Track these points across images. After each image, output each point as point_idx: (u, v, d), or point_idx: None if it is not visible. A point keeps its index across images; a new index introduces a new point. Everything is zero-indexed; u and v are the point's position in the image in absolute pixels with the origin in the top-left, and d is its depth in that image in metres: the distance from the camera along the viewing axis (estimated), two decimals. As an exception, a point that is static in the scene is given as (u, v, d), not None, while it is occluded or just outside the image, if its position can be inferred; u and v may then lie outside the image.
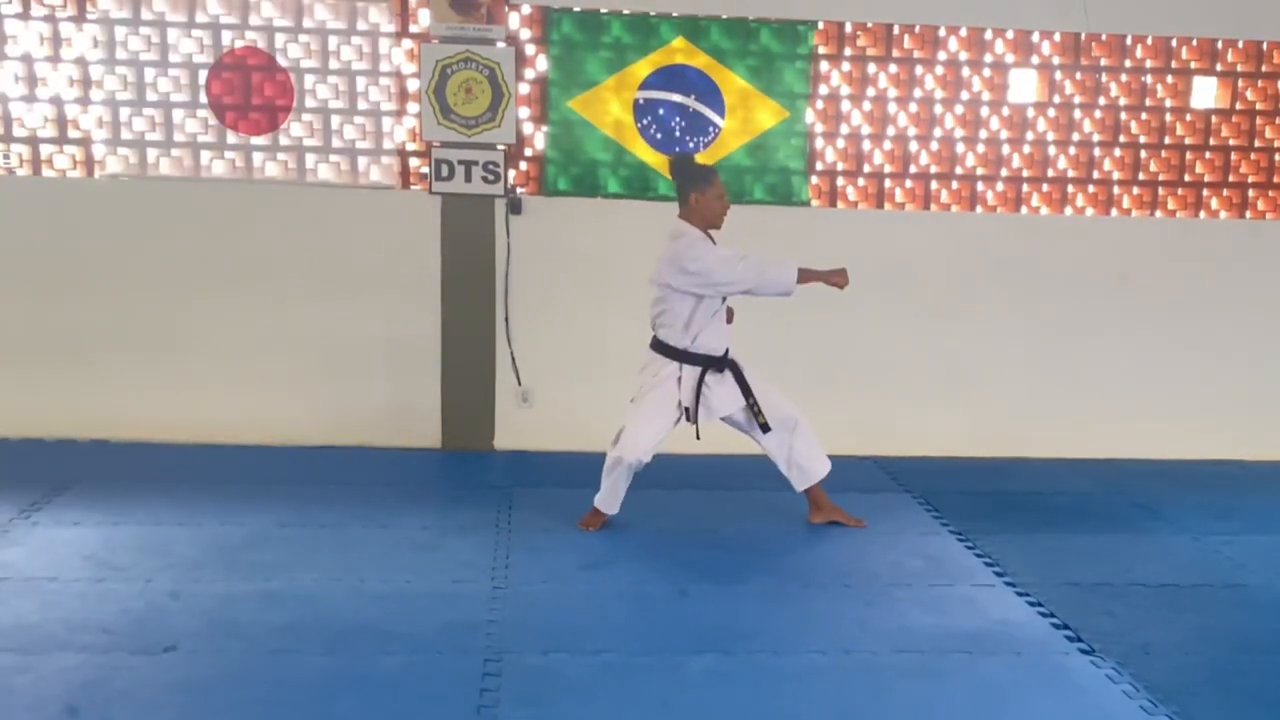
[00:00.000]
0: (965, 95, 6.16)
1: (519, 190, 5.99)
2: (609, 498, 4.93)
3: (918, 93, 6.13)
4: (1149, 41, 6.21)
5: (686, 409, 4.84)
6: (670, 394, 4.84)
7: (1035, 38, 6.14)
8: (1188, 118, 6.30)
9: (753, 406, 4.86)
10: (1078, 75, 6.20)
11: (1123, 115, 6.26)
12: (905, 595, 4.29)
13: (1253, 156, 6.36)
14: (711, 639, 3.81)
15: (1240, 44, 6.25)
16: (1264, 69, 6.28)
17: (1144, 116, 6.28)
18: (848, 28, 6.05)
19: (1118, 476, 6.09)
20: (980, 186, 6.26)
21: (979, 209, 6.27)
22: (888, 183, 6.19)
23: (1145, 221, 6.34)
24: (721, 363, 4.86)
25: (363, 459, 5.86)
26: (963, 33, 6.10)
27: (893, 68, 6.10)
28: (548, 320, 6.07)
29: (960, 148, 6.20)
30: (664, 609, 4.08)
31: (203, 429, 5.94)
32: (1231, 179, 6.37)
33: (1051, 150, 6.25)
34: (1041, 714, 3.42)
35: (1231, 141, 6.33)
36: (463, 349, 6.03)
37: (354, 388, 6.01)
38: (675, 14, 5.90)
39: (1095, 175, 6.29)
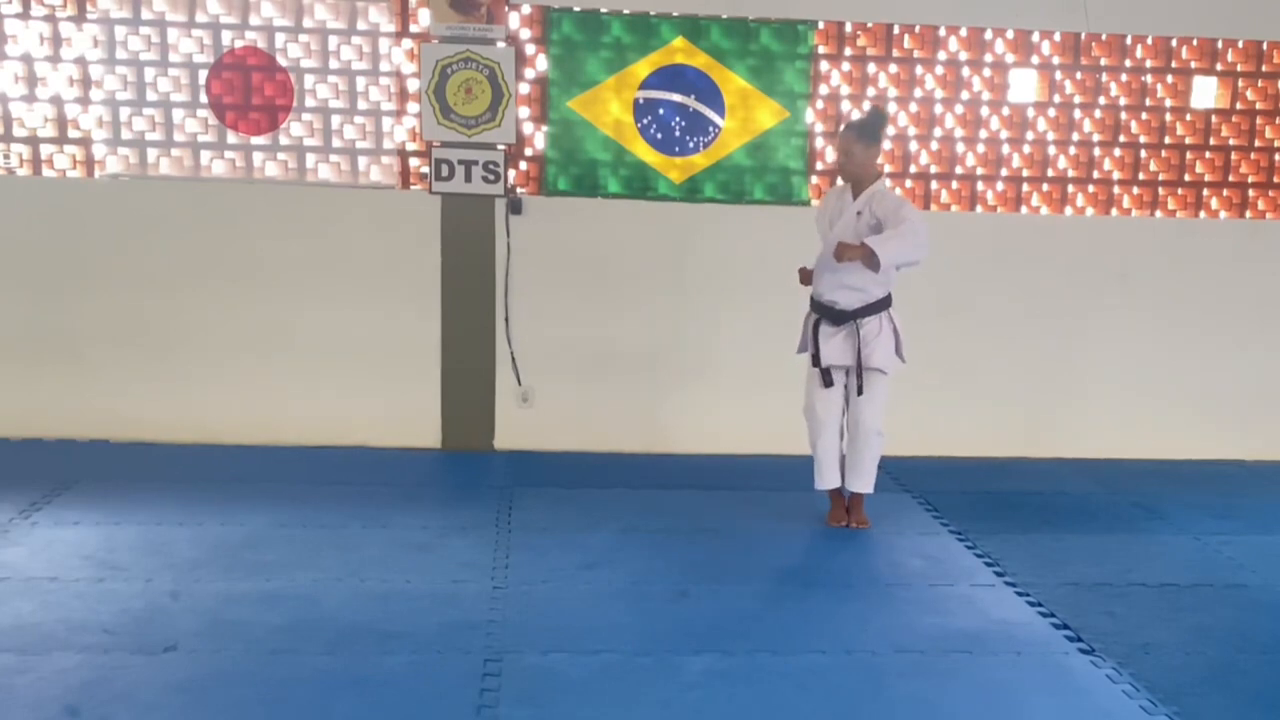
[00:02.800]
0: (965, 95, 6.16)
1: (519, 190, 5.99)
2: (816, 472, 5.04)
3: (918, 93, 6.13)
4: (1149, 41, 6.21)
5: (813, 354, 4.92)
6: (803, 343, 5.02)
7: (1035, 38, 6.14)
8: (1188, 118, 6.30)
9: (858, 368, 4.85)
10: (1078, 75, 6.20)
11: (1123, 115, 6.26)
12: (905, 595, 4.29)
13: (1253, 156, 6.37)
14: (711, 639, 3.81)
15: (1240, 44, 6.25)
16: (1264, 69, 6.28)
17: (1144, 116, 6.28)
18: (848, 28, 6.05)
19: (1118, 476, 6.09)
20: (980, 186, 6.26)
21: (979, 209, 6.27)
22: (888, 183, 6.18)
23: (1145, 221, 6.34)
24: (836, 316, 4.86)
25: (363, 459, 5.86)
26: (963, 33, 6.10)
27: (893, 68, 6.10)
28: (548, 320, 6.07)
29: (960, 148, 6.20)
30: (664, 609, 4.08)
31: (203, 429, 5.94)
32: (1231, 179, 6.37)
33: (1051, 150, 6.25)
34: (1041, 714, 3.42)
35: (1231, 141, 6.33)
36: (463, 349, 6.03)
37: (354, 388, 6.00)
38: (675, 14, 5.90)
39: (1095, 175, 6.29)
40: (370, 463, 5.80)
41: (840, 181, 5.02)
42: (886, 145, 6.01)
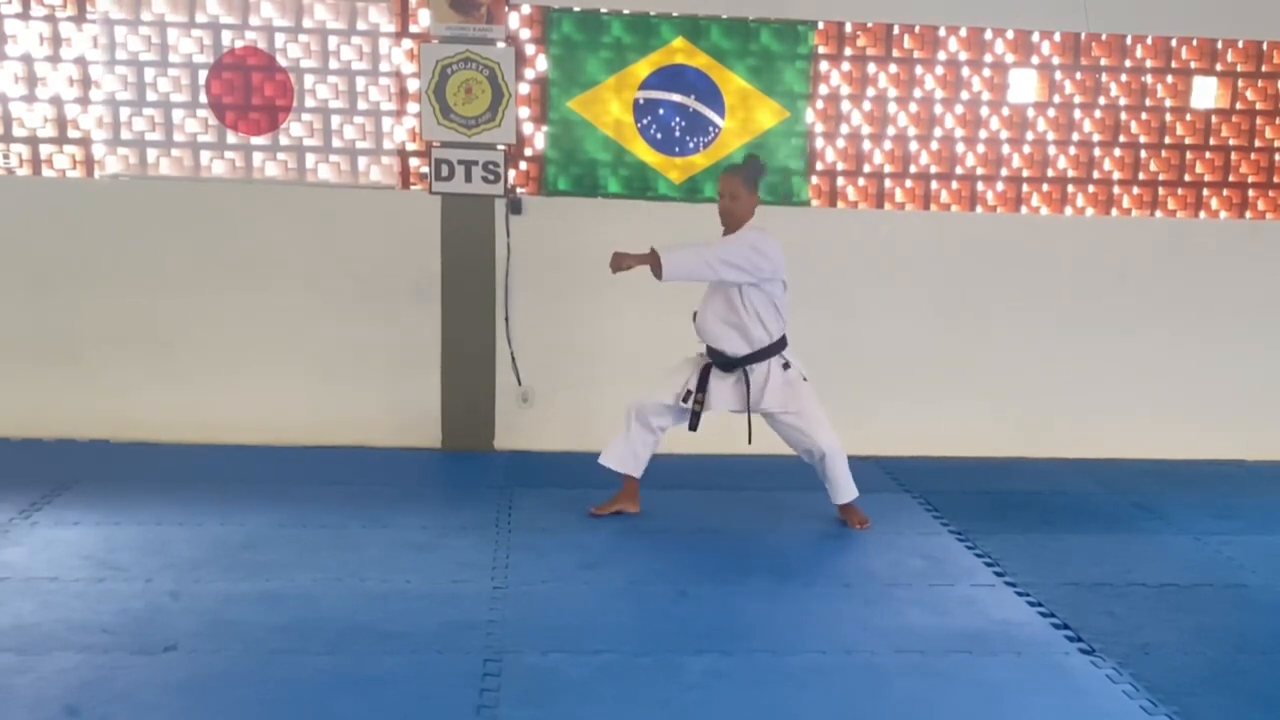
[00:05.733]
0: (965, 95, 6.16)
1: (519, 190, 5.99)
2: (618, 455, 5.02)
3: (918, 93, 6.13)
4: (1149, 41, 6.21)
5: (690, 391, 4.89)
6: (687, 367, 4.97)
7: (1035, 38, 6.14)
8: (1188, 118, 6.30)
9: (749, 420, 4.89)
10: (1078, 75, 6.20)
11: (1123, 115, 6.26)
12: (905, 595, 4.29)
13: (1253, 156, 6.37)
14: (711, 639, 3.81)
15: (1240, 44, 6.25)
16: (1264, 69, 6.28)
17: (1144, 116, 6.28)
18: (848, 28, 6.05)
19: (1118, 476, 6.09)
20: (980, 186, 6.26)
21: (979, 209, 6.27)
22: (888, 183, 6.19)
23: (1145, 221, 6.35)
24: (727, 363, 4.86)
25: (363, 459, 5.86)
26: (963, 33, 6.10)
27: (893, 68, 6.10)
28: (548, 320, 6.07)
29: (960, 148, 6.20)
30: (664, 609, 4.08)
31: (203, 429, 5.94)
32: (1231, 179, 6.37)
33: (1051, 150, 6.25)
34: (1041, 714, 3.42)
35: (1231, 141, 6.33)
36: (463, 349, 6.03)
37: (354, 388, 6.00)
38: (675, 14, 5.90)
39: (1095, 175, 6.30)
40: (370, 463, 5.80)
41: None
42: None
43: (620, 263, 4.73)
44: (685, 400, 4.91)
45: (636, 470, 5.05)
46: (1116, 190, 6.32)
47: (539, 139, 5.97)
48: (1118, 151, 6.29)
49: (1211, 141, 6.32)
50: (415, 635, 3.74)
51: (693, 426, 4.95)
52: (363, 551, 4.50)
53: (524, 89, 5.91)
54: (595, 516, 5.05)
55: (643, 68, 5.94)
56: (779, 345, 4.89)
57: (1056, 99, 6.21)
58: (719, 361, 4.89)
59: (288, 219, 5.89)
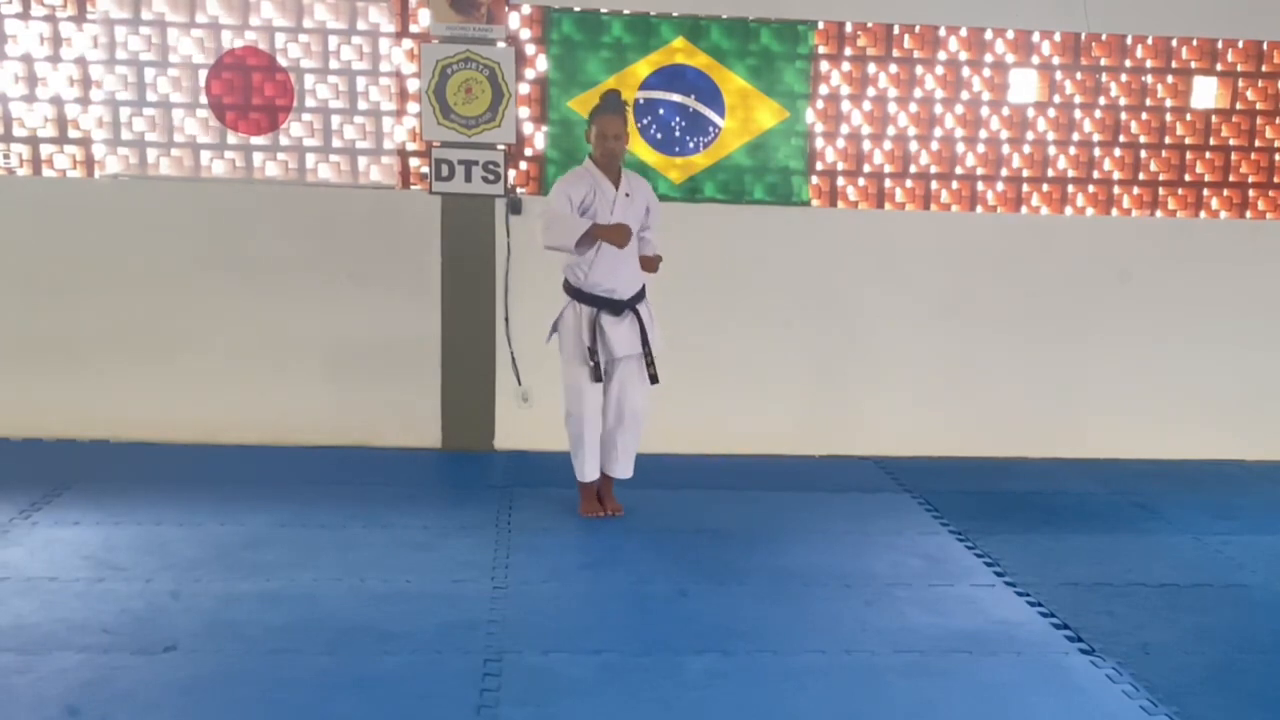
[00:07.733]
0: (965, 95, 6.16)
1: (519, 190, 5.99)
2: (581, 467, 5.00)
3: (918, 93, 6.13)
4: (1149, 41, 6.21)
5: (589, 349, 4.86)
6: (575, 339, 4.90)
7: (1035, 38, 6.14)
8: (1188, 118, 6.30)
9: (647, 356, 4.91)
10: (1078, 75, 6.20)
11: (1123, 115, 6.26)
12: (905, 595, 4.29)
13: (1253, 156, 6.37)
14: (711, 639, 3.81)
15: (1240, 44, 6.25)
16: (1264, 69, 6.28)
17: (1144, 116, 6.28)
18: (848, 28, 6.05)
19: (1118, 476, 6.09)
20: (980, 186, 6.26)
21: (979, 209, 6.26)
22: (888, 183, 6.19)
23: (1145, 221, 6.34)
24: (615, 306, 4.88)
25: (363, 459, 5.86)
26: (963, 33, 6.10)
27: (893, 68, 6.10)
28: (547, 320, 6.04)
29: (960, 148, 6.20)
30: (664, 609, 4.08)
31: (203, 429, 5.93)
32: (1231, 179, 6.37)
33: (1051, 150, 6.25)
34: (1041, 714, 3.42)
35: (1231, 141, 6.33)
36: (463, 349, 6.03)
37: (354, 388, 6.00)
38: (675, 14, 5.90)
39: (1095, 175, 6.29)
40: (370, 463, 5.80)
41: (591, 165, 4.84)
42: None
43: (656, 267, 4.87)
44: (594, 359, 4.88)
45: (598, 472, 5.09)
46: (1116, 190, 6.32)
47: (539, 139, 5.97)
48: (1118, 151, 6.29)
49: (1211, 141, 6.32)
50: (415, 635, 3.74)
51: (598, 378, 4.91)
52: (363, 551, 4.50)
53: (524, 89, 5.91)
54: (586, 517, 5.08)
55: (643, 68, 5.94)
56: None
57: (1056, 99, 6.20)
58: (608, 306, 4.88)
59: (288, 219, 5.89)
